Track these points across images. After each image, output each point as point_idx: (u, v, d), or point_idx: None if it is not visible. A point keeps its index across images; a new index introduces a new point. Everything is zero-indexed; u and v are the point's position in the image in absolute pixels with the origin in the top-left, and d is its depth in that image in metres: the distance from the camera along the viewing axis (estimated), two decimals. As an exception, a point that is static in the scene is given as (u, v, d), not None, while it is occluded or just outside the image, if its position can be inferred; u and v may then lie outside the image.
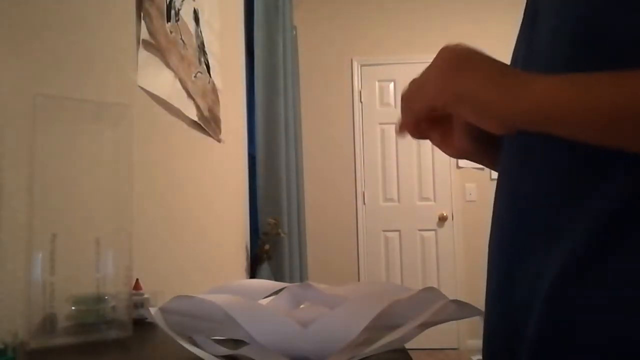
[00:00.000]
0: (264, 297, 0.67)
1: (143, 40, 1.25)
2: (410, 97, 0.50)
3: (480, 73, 0.43)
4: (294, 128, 3.25)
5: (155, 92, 1.32)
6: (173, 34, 1.47)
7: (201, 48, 1.73)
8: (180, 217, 1.50)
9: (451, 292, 4.00)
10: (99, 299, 0.72)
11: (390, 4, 4.21)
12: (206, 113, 1.75)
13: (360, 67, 4.21)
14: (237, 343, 0.60)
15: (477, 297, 3.46)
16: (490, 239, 0.55)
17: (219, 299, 0.51)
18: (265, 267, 2.59)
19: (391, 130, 4.13)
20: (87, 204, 0.73)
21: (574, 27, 0.44)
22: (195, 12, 1.68)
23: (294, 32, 3.69)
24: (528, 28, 0.52)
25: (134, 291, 0.82)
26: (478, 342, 3.98)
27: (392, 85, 4.18)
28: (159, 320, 0.55)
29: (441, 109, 0.47)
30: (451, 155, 0.59)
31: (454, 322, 3.96)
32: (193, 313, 0.53)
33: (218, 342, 0.61)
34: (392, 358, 0.60)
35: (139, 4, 1.25)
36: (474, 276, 3.91)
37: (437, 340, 3.93)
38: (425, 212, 4.05)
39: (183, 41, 1.54)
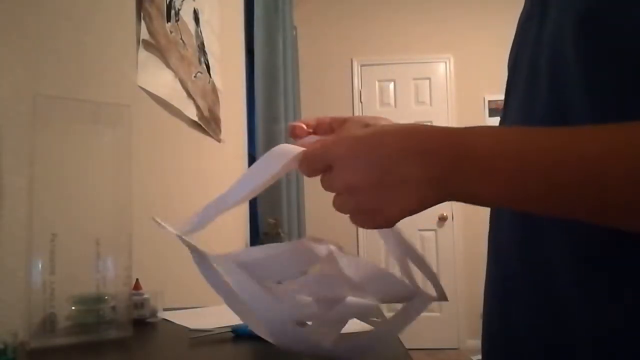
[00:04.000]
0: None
1: (143, 40, 1.25)
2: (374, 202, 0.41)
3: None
4: (294, 128, 3.24)
5: (155, 92, 1.32)
6: (173, 34, 1.47)
7: (201, 48, 1.73)
8: (180, 217, 1.50)
9: (451, 292, 4.00)
10: (99, 299, 0.72)
11: (391, 4, 4.21)
12: (206, 113, 1.75)
13: (360, 67, 4.20)
14: None
15: (477, 297, 3.45)
16: (489, 237, 0.55)
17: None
18: (265, 267, 2.59)
19: (391, 130, 4.13)
20: (87, 204, 0.73)
21: (577, 18, 0.43)
22: (195, 12, 1.68)
23: (294, 32, 3.69)
24: (536, 23, 0.50)
25: (134, 291, 0.82)
26: (478, 342, 3.97)
27: (392, 85, 4.18)
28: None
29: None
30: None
31: (454, 322, 3.97)
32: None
33: None
34: (392, 358, 0.60)
35: (139, 4, 1.25)
36: (473, 276, 3.90)
37: (437, 340, 3.93)
38: (425, 212, 3.99)
39: (183, 41, 1.54)
